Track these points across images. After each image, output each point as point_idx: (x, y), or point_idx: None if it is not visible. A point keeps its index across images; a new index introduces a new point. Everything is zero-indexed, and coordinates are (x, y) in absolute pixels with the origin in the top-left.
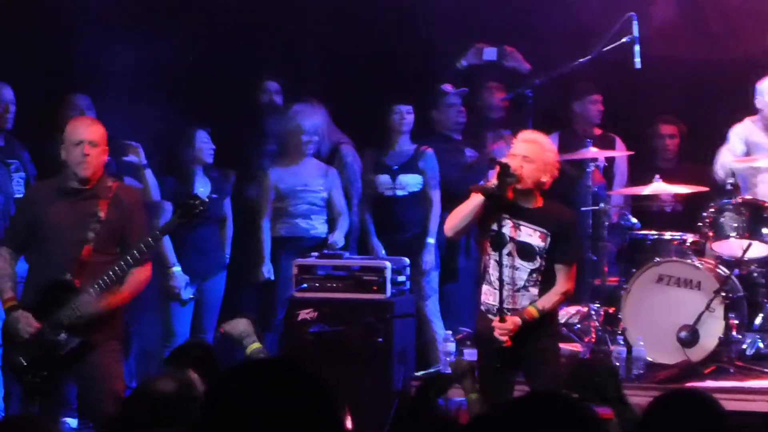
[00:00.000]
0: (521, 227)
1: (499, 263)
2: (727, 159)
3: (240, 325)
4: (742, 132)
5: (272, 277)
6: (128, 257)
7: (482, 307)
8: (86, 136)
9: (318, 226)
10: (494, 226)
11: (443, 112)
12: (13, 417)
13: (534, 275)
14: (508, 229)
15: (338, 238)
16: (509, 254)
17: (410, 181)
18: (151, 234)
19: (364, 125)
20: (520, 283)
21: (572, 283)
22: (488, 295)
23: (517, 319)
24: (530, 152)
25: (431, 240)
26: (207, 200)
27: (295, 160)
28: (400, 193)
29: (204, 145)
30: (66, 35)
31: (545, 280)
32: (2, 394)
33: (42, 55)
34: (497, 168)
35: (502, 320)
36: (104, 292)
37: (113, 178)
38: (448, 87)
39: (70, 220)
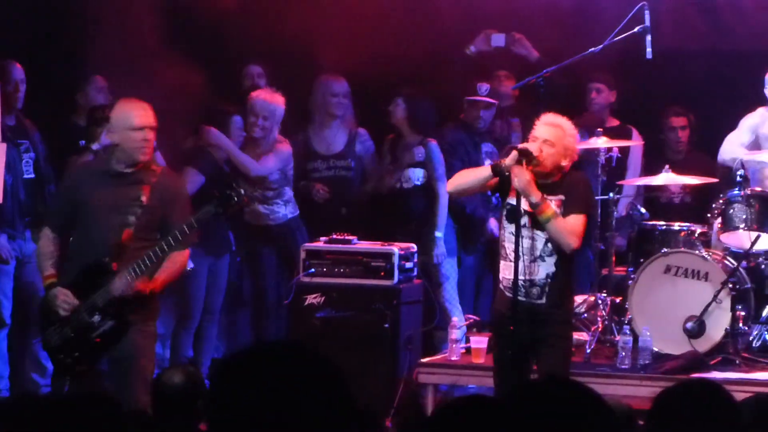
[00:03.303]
0: None
1: (515, 235)
2: (732, 145)
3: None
4: (753, 122)
5: None
6: (165, 242)
7: (501, 285)
8: (148, 122)
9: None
10: (510, 200)
11: (474, 108)
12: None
13: (550, 244)
14: (523, 203)
15: None
16: (524, 225)
17: (412, 176)
18: (187, 221)
19: (377, 117)
20: (537, 253)
21: (580, 233)
22: (505, 270)
23: (529, 177)
24: (552, 136)
25: (439, 234)
26: (246, 195)
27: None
28: (406, 185)
29: (239, 131)
30: (83, 17)
31: (561, 249)
32: (8, 372)
33: (58, 36)
34: (515, 152)
35: (516, 288)
36: (139, 276)
37: (158, 163)
38: (483, 89)
39: (112, 204)
